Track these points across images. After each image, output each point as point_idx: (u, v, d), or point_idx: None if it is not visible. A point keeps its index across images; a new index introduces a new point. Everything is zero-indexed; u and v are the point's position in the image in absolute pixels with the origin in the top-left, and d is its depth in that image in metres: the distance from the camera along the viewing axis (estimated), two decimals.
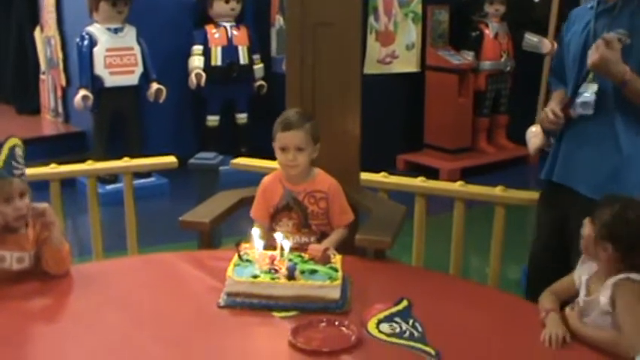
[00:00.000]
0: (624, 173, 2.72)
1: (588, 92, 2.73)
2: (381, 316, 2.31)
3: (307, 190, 2.99)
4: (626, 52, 2.61)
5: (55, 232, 2.62)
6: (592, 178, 2.76)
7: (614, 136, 2.73)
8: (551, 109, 2.85)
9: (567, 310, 2.29)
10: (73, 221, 5.23)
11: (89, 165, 4.07)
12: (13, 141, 2.57)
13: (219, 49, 6.65)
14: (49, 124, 7.57)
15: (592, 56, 2.63)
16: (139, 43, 6.21)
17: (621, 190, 2.55)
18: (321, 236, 2.99)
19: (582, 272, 2.34)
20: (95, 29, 6.09)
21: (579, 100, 2.75)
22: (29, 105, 7.94)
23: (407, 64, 6.59)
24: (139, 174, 5.51)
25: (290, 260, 2.45)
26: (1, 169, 2.50)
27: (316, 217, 3.01)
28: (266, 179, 3.09)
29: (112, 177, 5.94)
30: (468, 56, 7.06)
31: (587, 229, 2.30)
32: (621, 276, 2.20)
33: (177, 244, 4.12)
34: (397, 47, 6.47)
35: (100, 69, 6.04)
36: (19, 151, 2.57)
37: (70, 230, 5.10)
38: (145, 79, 6.24)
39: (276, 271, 2.41)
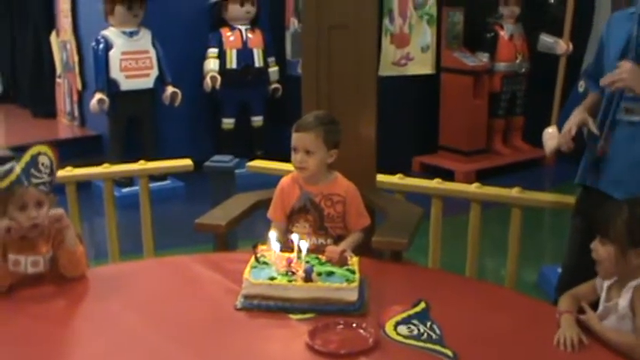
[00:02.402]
0: None
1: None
2: (399, 318, 2.30)
3: (324, 192, 2.99)
4: None
5: (69, 235, 2.60)
6: (627, 183, 2.69)
7: None
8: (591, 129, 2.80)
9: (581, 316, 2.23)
10: (89, 224, 5.24)
11: (105, 168, 4.09)
12: (38, 148, 2.52)
13: (234, 51, 6.67)
14: (65, 128, 7.62)
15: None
16: (154, 46, 6.24)
17: None
18: (338, 239, 2.98)
19: None
20: (110, 33, 6.13)
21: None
22: (45, 108, 8.00)
23: (422, 65, 6.59)
24: (154, 177, 5.54)
25: (307, 262, 2.44)
26: (19, 175, 2.45)
27: (332, 220, 3.00)
28: (284, 180, 3.09)
29: (128, 180, 5.96)
30: (483, 58, 7.05)
31: (600, 251, 2.25)
32: None
33: (193, 247, 4.12)
34: (412, 49, 6.47)
35: (115, 72, 6.08)
36: (43, 160, 2.51)
37: (87, 233, 5.11)
38: (161, 82, 6.28)
39: (293, 273, 2.41)
